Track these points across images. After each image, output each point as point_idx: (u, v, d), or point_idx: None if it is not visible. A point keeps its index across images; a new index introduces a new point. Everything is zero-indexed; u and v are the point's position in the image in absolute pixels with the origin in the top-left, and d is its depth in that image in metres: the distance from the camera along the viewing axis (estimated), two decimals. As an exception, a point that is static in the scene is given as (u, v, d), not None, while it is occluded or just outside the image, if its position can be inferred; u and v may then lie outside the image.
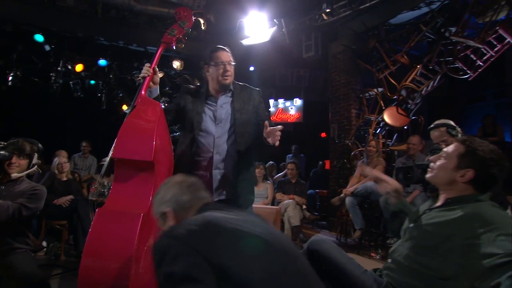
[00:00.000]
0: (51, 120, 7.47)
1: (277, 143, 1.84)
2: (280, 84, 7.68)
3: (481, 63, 4.50)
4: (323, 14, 5.64)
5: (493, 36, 4.26)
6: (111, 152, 1.85)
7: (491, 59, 4.47)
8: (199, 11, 6.02)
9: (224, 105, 2.10)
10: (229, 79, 2.05)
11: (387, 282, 1.39)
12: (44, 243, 3.74)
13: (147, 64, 2.00)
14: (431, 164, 1.45)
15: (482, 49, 4.38)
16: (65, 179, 3.93)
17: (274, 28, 5.60)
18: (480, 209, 1.24)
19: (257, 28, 5.59)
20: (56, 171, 3.87)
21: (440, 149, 3.00)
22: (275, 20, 5.58)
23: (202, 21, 6.03)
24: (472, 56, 4.52)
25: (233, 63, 2.08)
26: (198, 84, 2.15)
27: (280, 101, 8.82)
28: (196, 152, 2.03)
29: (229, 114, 2.05)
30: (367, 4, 5.12)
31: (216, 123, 2.06)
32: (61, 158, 4.00)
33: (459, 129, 3.01)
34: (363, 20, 5.42)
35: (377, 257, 4.05)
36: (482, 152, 1.30)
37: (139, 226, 1.53)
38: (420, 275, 1.30)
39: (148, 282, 1.62)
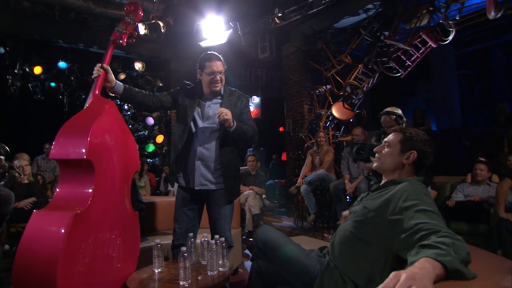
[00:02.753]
0: (11, 123, 7.00)
1: (227, 123, 1.97)
2: (239, 83, 7.71)
3: (410, 63, 4.79)
4: (275, 18, 5.73)
5: (418, 40, 4.53)
6: None
7: (418, 60, 4.77)
8: (158, 15, 5.91)
9: (212, 105, 2.20)
10: (219, 87, 2.16)
11: (328, 261, 1.44)
12: (7, 246, 3.58)
13: (98, 64, 1.94)
14: (376, 154, 1.51)
15: (410, 51, 4.66)
16: (26, 181, 3.77)
17: (230, 31, 5.62)
18: (406, 187, 1.29)
19: (214, 30, 5.58)
20: (17, 174, 3.70)
21: (384, 133, 3.25)
22: (231, 23, 5.60)
23: (161, 24, 5.93)
24: (402, 57, 4.80)
25: (224, 71, 2.14)
26: (189, 83, 2.13)
27: (240, 99, 8.85)
28: (184, 143, 2.13)
29: (215, 113, 2.07)
30: (314, 10, 5.27)
31: (203, 120, 2.17)
32: (21, 161, 3.82)
33: (405, 119, 3.31)
34: (311, 24, 5.60)
35: (329, 237, 4.26)
36: (417, 135, 1.41)
37: (69, 225, 1.44)
38: (353, 246, 1.36)
39: (86, 281, 1.57)
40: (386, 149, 1.47)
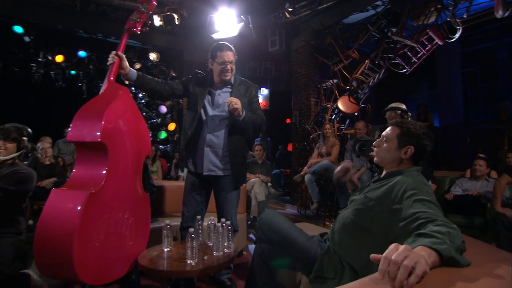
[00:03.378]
0: (35, 108, 7.13)
1: (236, 112, 1.95)
2: (249, 75, 7.66)
3: (416, 60, 4.68)
4: (286, 13, 5.65)
5: (425, 37, 4.42)
6: None
7: (423, 57, 4.65)
8: (173, 7, 5.87)
9: (222, 94, 2.19)
10: (229, 76, 2.13)
11: (328, 246, 1.44)
12: (31, 222, 3.68)
13: (113, 52, 1.94)
14: (375, 149, 1.47)
15: (417, 48, 4.55)
16: (48, 163, 3.85)
17: (242, 24, 5.56)
18: (406, 177, 1.27)
19: (226, 23, 5.52)
20: (39, 156, 3.77)
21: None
22: (242, 16, 5.54)
23: (176, 16, 5.89)
24: (409, 53, 4.68)
25: (234, 61, 2.11)
26: (200, 72, 2.11)
27: (249, 90, 8.80)
28: (194, 130, 2.13)
29: (225, 102, 2.07)
30: (324, 5, 5.19)
31: (213, 108, 2.16)
32: (44, 144, 3.90)
33: (410, 113, 3.24)
34: (321, 19, 5.50)
35: (331, 225, 4.25)
36: (414, 129, 1.36)
37: (84, 203, 1.47)
38: (353, 232, 1.36)
39: (104, 258, 1.61)
40: (384, 144, 1.43)
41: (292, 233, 1.49)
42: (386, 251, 0.81)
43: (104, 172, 1.62)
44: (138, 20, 2.03)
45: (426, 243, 0.89)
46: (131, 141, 1.85)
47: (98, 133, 1.56)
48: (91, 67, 6.45)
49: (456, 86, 7.89)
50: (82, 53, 6.26)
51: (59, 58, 6.12)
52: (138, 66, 6.60)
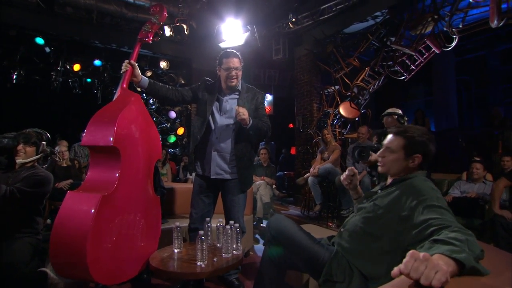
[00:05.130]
0: (53, 114, 7.17)
1: (244, 122, 1.90)
2: (254, 82, 7.62)
3: (414, 67, 4.63)
4: (289, 23, 5.63)
5: (422, 46, 4.36)
6: None
7: (421, 64, 4.60)
8: (182, 18, 5.87)
9: (229, 100, 2.14)
10: (235, 82, 2.09)
11: (336, 250, 1.39)
12: (49, 221, 3.67)
13: (126, 60, 1.93)
14: (379, 159, 1.38)
15: (415, 56, 4.50)
16: (64, 165, 3.84)
17: (248, 33, 5.54)
18: (414, 183, 1.22)
19: (233, 33, 5.51)
20: (57, 158, 3.76)
21: (385, 133, 3.14)
22: (248, 26, 5.52)
23: (185, 26, 5.88)
24: (407, 61, 4.64)
25: (240, 67, 2.07)
26: (209, 79, 2.08)
27: (254, 96, 8.78)
28: (202, 135, 2.09)
29: (232, 108, 2.04)
30: (325, 16, 5.15)
31: (221, 114, 2.11)
32: (61, 147, 3.90)
33: (406, 118, 3.19)
34: (322, 29, 5.46)
35: (333, 226, 4.18)
36: (418, 136, 1.29)
37: (98, 206, 1.44)
38: (363, 240, 1.31)
39: (117, 259, 1.57)
40: (390, 156, 1.34)
41: (300, 236, 1.44)
42: (406, 258, 0.74)
43: (117, 175, 1.59)
44: (150, 30, 2.03)
45: (444, 251, 0.82)
46: (142, 145, 1.82)
47: (111, 138, 1.54)
48: (105, 75, 6.49)
49: (451, 92, 7.82)
50: (97, 62, 6.30)
51: (76, 67, 6.17)
52: (149, 73, 6.61)
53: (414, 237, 1.08)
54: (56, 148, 3.86)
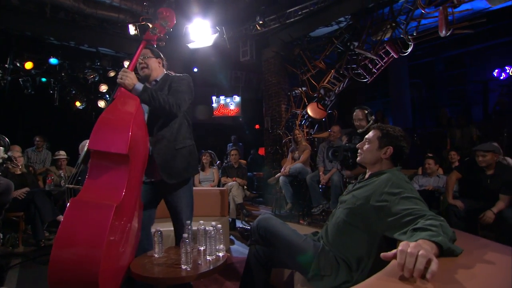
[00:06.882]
0: (1, 116, 6.48)
1: (125, 87, 1.69)
2: (220, 83, 7.59)
3: (375, 70, 4.91)
4: (257, 25, 5.68)
5: (382, 50, 4.65)
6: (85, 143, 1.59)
7: (382, 68, 4.90)
8: (147, 17, 5.64)
9: None
10: (145, 72, 1.93)
11: (323, 245, 1.44)
12: (0, 235, 3.31)
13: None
14: (359, 150, 1.52)
15: (376, 60, 4.77)
16: (19, 172, 3.49)
17: (216, 35, 5.50)
18: (389, 177, 1.31)
19: (201, 34, 5.42)
20: (13, 165, 3.41)
21: (356, 133, 3.35)
22: (217, 27, 5.47)
23: (150, 25, 5.65)
24: (369, 65, 4.90)
25: (147, 57, 1.91)
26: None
27: (221, 98, 8.79)
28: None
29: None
30: (292, 19, 5.29)
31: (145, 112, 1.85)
32: (14, 153, 3.53)
33: (373, 117, 3.43)
34: (289, 32, 5.59)
35: (305, 223, 4.26)
36: (393, 131, 1.43)
37: (112, 217, 1.34)
38: (345, 231, 1.38)
39: (118, 270, 1.50)
40: (366, 145, 1.49)
41: (288, 234, 1.47)
42: (400, 247, 0.81)
43: (125, 182, 1.49)
44: (157, 34, 1.98)
45: (425, 237, 0.91)
46: (142, 150, 1.73)
47: (125, 146, 1.45)
48: (63, 74, 6.01)
49: (405, 94, 8.43)
50: (53, 60, 5.82)
51: (28, 65, 5.63)
52: (112, 74, 6.26)
53: (390, 224, 1.17)
54: (9, 153, 3.50)
